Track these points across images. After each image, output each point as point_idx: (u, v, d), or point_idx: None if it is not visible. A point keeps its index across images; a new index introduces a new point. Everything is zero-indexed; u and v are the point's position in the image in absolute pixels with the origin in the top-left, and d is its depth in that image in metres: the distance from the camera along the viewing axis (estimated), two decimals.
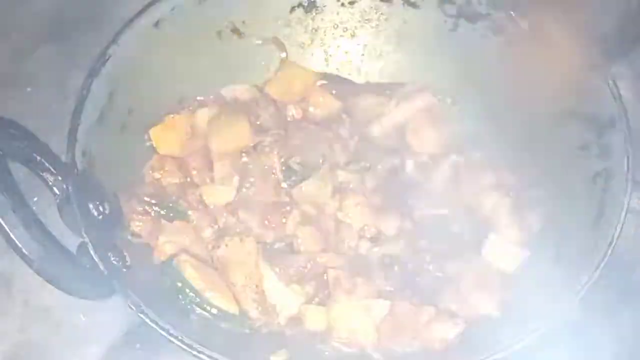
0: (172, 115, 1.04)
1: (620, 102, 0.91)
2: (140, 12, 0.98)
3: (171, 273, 0.92)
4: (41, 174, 0.83)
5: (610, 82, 0.92)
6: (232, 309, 0.92)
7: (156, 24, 0.99)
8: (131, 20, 0.97)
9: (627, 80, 1.15)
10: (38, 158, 0.81)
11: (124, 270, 0.84)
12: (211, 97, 1.08)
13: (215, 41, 1.07)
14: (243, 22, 1.08)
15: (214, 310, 0.91)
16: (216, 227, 0.98)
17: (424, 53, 1.12)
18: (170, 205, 0.98)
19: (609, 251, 0.83)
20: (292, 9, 1.11)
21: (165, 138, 1.03)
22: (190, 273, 0.91)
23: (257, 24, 1.09)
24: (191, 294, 0.91)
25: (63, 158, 0.85)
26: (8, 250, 0.74)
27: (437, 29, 1.09)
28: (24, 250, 0.73)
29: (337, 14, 1.13)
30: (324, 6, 1.12)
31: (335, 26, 1.14)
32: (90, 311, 1.01)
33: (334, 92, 1.12)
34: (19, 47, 1.23)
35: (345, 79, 1.15)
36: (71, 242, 0.82)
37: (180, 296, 0.91)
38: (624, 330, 1.01)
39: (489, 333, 0.85)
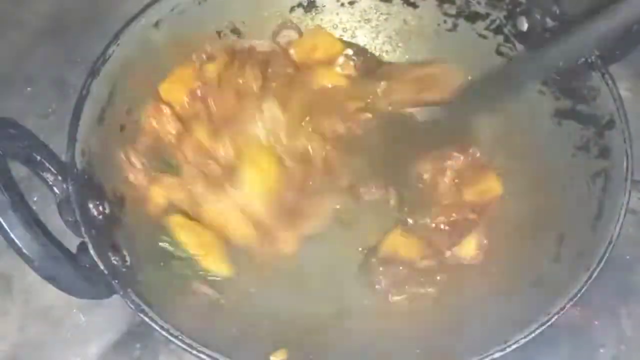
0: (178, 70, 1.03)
1: (620, 102, 0.92)
2: (140, 12, 0.98)
3: (166, 239, 0.92)
4: (41, 173, 0.83)
5: (610, 82, 0.92)
6: (225, 270, 0.93)
7: (156, 24, 0.99)
8: (131, 20, 0.97)
9: (627, 80, 1.15)
10: (38, 158, 0.81)
11: (124, 270, 0.84)
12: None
13: (215, 41, 1.07)
14: (243, 22, 1.08)
15: (208, 276, 0.92)
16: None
17: (423, 53, 1.13)
18: (166, 159, 0.98)
19: (609, 251, 0.83)
20: (292, 8, 1.11)
21: (174, 91, 1.01)
22: (184, 235, 0.92)
23: (256, 24, 1.09)
24: (186, 264, 0.91)
25: (63, 158, 0.85)
26: (8, 250, 0.74)
27: (437, 28, 1.09)
28: (23, 250, 0.73)
29: (337, 14, 1.13)
30: (324, 6, 1.12)
31: (335, 26, 1.14)
32: (90, 311, 1.01)
33: (356, 64, 1.11)
34: (18, 47, 1.24)
35: (371, 54, 1.14)
36: (71, 241, 0.82)
37: (174, 263, 0.91)
38: (623, 330, 1.01)
39: (487, 332, 0.85)
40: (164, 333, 0.79)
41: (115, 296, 0.82)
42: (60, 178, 0.83)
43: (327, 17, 1.12)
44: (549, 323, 0.79)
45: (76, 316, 1.01)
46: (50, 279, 0.76)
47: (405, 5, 1.10)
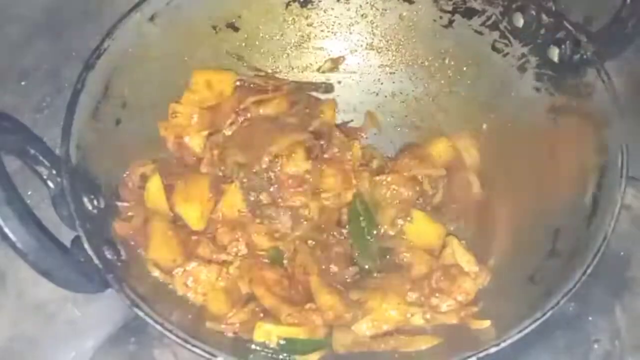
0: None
1: (616, 98, 0.92)
2: (135, 6, 0.98)
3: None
4: (35, 167, 0.82)
5: (606, 78, 0.92)
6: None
7: (151, 18, 0.99)
8: (126, 14, 0.97)
9: (622, 77, 1.15)
10: (32, 151, 0.81)
11: (118, 264, 0.84)
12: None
13: (210, 35, 1.07)
14: (239, 16, 1.08)
15: None
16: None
17: (419, 48, 1.13)
18: None
19: (603, 247, 0.83)
20: (288, 4, 1.11)
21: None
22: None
23: (252, 19, 1.09)
24: None
25: (57, 151, 0.85)
26: (2, 244, 0.74)
27: (432, 24, 1.09)
28: (17, 244, 0.73)
29: (333, 9, 1.13)
30: (320, 1, 1.12)
31: (332, 22, 1.14)
32: (85, 305, 1.01)
33: None
34: (14, 41, 1.23)
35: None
36: (65, 235, 0.82)
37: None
38: (617, 325, 1.01)
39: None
40: (158, 327, 0.79)
41: (109, 290, 0.82)
42: (54, 172, 0.83)
43: (323, 13, 1.12)
44: (543, 318, 0.79)
45: (71, 310, 1.01)
46: (45, 273, 0.76)
47: (401, 0, 1.10)
